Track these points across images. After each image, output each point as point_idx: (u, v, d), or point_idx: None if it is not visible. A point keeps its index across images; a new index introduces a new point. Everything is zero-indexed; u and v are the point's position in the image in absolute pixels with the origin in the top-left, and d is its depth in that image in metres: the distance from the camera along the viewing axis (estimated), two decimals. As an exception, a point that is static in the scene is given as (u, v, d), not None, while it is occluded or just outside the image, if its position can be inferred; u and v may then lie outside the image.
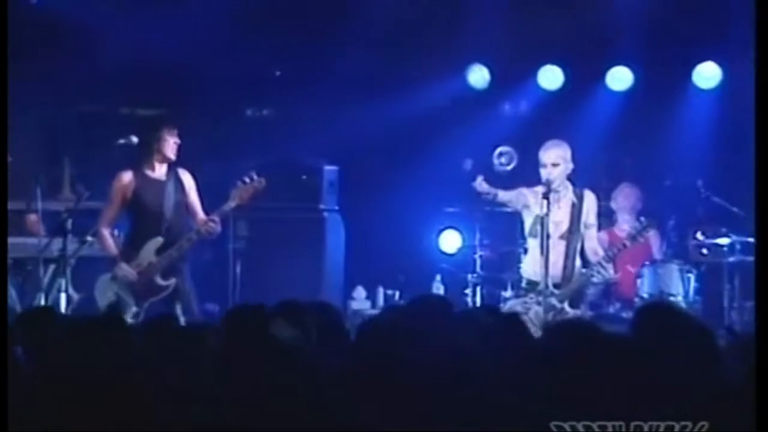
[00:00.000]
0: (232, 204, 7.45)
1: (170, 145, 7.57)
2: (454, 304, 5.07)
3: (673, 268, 8.52)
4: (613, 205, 8.78)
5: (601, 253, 7.43)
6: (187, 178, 7.66)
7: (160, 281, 7.46)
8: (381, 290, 9.39)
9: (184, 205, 7.60)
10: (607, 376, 3.55)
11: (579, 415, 3.39)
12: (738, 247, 8.62)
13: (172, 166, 7.62)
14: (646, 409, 3.43)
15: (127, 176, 7.59)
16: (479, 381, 3.61)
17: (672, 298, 8.20)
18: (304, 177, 9.78)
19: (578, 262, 7.48)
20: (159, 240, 7.52)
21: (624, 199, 8.79)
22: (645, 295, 8.26)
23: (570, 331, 4.33)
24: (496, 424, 3.31)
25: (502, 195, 7.62)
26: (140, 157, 7.66)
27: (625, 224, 8.56)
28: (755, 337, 3.94)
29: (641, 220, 7.94)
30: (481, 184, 7.45)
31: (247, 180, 7.46)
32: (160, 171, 7.59)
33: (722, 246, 8.64)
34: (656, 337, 4.02)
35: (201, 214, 7.56)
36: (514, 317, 5.50)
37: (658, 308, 4.58)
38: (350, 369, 3.81)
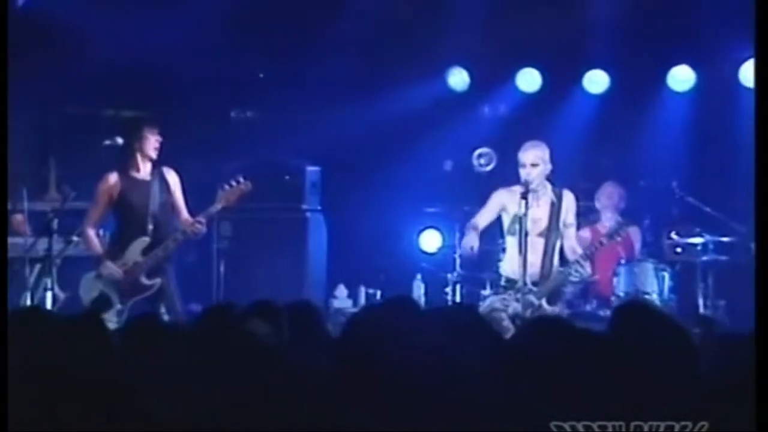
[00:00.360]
0: (218, 206, 7.44)
1: (152, 143, 7.53)
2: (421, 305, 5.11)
3: (649, 267, 8.54)
4: (597, 204, 8.75)
5: (579, 251, 7.39)
6: (172, 177, 7.62)
7: (144, 281, 7.41)
8: (362, 289, 9.40)
9: (169, 204, 7.55)
10: (582, 373, 3.51)
11: (557, 411, 3.34)
12: (711, 246, 8.63)
13: (157, 166, 7.57)
14: (623, 406, 3.38)
15: (113, 177, 7.53)
16: (452, 379, 3.53)
17: (647, 296, 8.20)
18: (287, 177, 9.79)
19: (557, 260, 7.44)
20: (145, 240, 7.47)
21: (607, 198, 8.79)
22: (621, 294, 8.25)
23: (545, 328, 4.38)
24: (496, 425, 3.25)
25: (485, 218, 7.59)
26: (124, 158, 7.62)
27: (607, 222, 8.55)
28: (755, 337, 3.81)
29: (618, 219, 7.93)
30: (472, 247, 7.41)
31: (234, 183, 7.45)
32: (144, 171, 7.54)
33: (696, 245, 8.66)
34: (634, 335, 4.03)
35: (185, 214, 7.52)
36: (488, 315, 5.57)
37: (636, 307, 4.59)
38: (329, 366, 3.82)
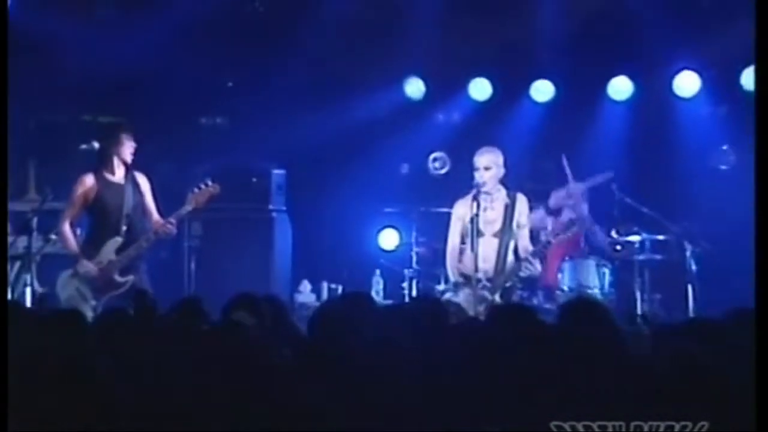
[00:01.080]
0: (188, 207, 7.39)
1: (128, 148, 7.47)
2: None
3: (591, 264, 8.62)
4: (551, 202, 8.80)
5: (531, 249, 7.43)
6: (143, 181, 7.55)
7: (118, 278, 7.33)
8: (325, 284, 9.36)
9: (141, 206, 7.48)
10: (537, 358, 3.62)
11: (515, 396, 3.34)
12: (647, 244, 8.68)
13: (130, 169, 7.50)
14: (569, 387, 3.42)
15: (89, 179, 7.46)
16: (411, 364, 3.57)
17: (589, 291, 8.25)
18: (254, 180, 9.76)
19: (510, 257, 7.47)
20: (118, 240, 7.40)
21: (561, 200, 8.84)
22: (565, 288, 8.31)
23: (507, 316, 4.42)
24: (497, 424, 3.19)
25: (455, 237, 7.59)
26: (101, 161, 7.55)
27: (557, 222, 8.56)
28: (755, 337, 3.69)
29: (571, 219, 7.97)
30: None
31: (203, 186, 7.41)
32: (119, 174, 7.48)
33: (634, 243, 8.71)
34: (579, 326, 4.05)
35: (156, 215, 7.46)
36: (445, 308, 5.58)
37: (581, 302, 4.65)
38: (295, 355, 3.87)
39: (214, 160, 9.50)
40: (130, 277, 7.29)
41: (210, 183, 7.40)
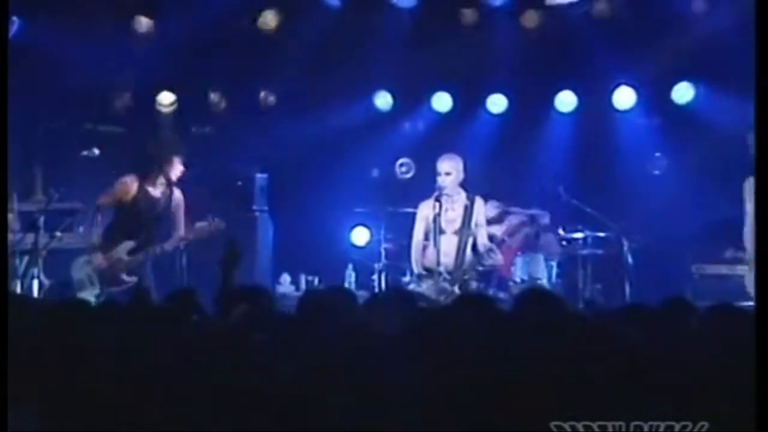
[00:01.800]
0: (190, 236, 7.48)
1: (176, 170, 7.51)
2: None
3: (540, 258, 8.68)
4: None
5: (488, 245, 7.51)
6: (178, 196, 7.59)
7: (124, 277, 7.40)
8: (303, 276, 9.36)
9: (167, 219, 7.52)
10: (494, 342, 3.53)
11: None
12: (590, 240, 8.71)
13: (171, 186, 7.55)
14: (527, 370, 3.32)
15: (132, 186, 7.50)
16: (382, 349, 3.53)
17: (539, 282, 8.29)
18: (239, 183, 9.78)
19: (469, 253, 7.54)
20: (131, 244, 7.45)
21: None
22: (518, 280, 8.34)
23: (468, 303, 4.43)
24: (497, 424, 2.98)
25: (418, 230, 7.63)
26: (146, 173, 7.54)
27: (511, 222, 8.64)
28: (756, 337, 3.42)
29: (522, 221, 8.00)
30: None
31: (208, 221, 7.47)
32: (159, 190, 7.54)
33: (578, 240, 8.74)
34: (531, 312, 4.10)
35: (181, 231, 7.51)
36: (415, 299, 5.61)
37: (533, 291, 4.70)
38: (280, 339, 3.83)
39: (204, 165, 9.43)
40: (134, 278, 7.34)
41: (215, 219, 7.47)
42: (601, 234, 8.75)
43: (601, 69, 9.31)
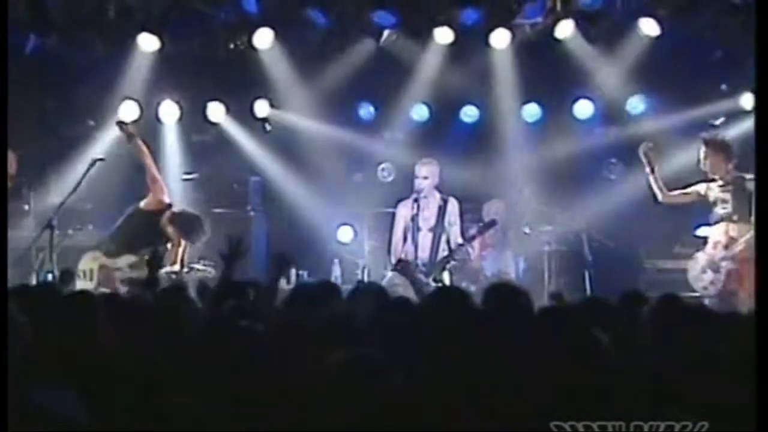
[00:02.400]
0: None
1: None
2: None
3: (508, 254, 8.79)
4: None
5: (460, 241, 7.63)
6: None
7: (119, 285, 7.35)
8: (293, 271, 9.28)
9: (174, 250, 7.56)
10: (466, 331, 3.60)
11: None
12: (553, 238, 8.81)
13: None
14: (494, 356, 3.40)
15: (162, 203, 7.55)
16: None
17: (507, 276, 8.37)
18: (236, 186, 9.82)
19: (443, 249, 7.64)
20: (133, 258, 7.47)
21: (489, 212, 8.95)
22: (488, 274, 8.43)
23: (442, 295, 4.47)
24: (497, 424, 2.84)
25: (399, 233, 7.75)
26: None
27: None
28: (756, 336, 3.23)
29: (487, 221, 8.05)
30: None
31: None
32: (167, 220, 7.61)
33: (542, 237, 8.84)
34: (499, 304, 4.16)
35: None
36: (390, 288, 5.69)
37: (501, 285, 4.76)
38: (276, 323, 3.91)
39: (205, 170, 9.64)
40: (127, 288, 7.18)
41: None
42: (564, 232, 8.84)
43: (563, 83, 9.43)
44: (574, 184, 9.29)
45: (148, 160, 7.67)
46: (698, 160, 7.50)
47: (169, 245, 7.51)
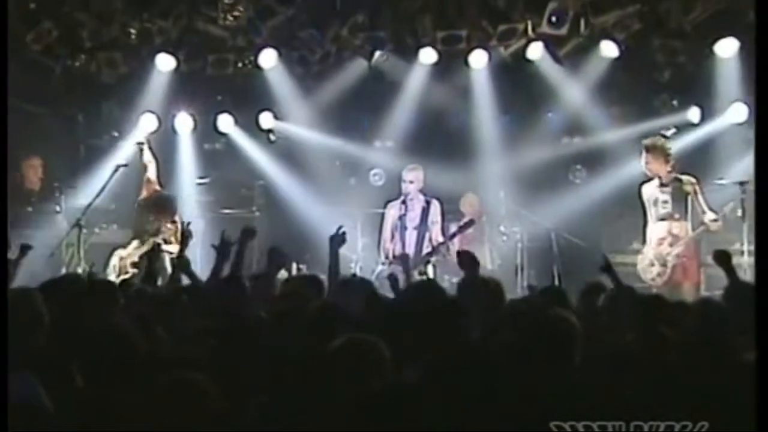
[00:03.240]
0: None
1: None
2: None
3: (486, 249, 8.83)
4: (461, 208, 8.97)
5: (441, 239, 7.71)
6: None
7: (130, 268, 7.48)
8: (294, 265, 9.29)
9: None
10: (443, 319, 3.58)
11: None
12: (525, 236, 8.85)
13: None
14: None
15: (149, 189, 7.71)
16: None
17: (483, 269, 8.35)
18: (243, 189, 9.82)
19: (426, 245, 7.74)
20: (135, 242, 7.57)
21: (465, 204, 8.98)
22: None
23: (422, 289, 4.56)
24: (497, 424, 2.65)
25: (388, 230, 7.80)
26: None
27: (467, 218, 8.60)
28: (756, 336, 2.97)
29: (466, 221, 8.05)
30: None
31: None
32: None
33: (516, 234, 8.89)
34: (475, 293, 4.31)
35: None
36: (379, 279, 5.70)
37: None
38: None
39: (215, 175, 9.68)
40: (135, 270, 7.38)
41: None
42: (534, 231, 8.86)
43: (533, 98, 9.38)
44: (543, 188, 9.30)
45: (151, 167, 7.91)
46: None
47: (167, 227, 7.55)
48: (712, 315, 3.83)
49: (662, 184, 7.57)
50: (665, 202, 7.51)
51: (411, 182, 7.88)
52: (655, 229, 7.60)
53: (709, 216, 7.38)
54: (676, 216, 7.49)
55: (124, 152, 8.96)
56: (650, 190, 7.64)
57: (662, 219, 7.54)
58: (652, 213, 7.61)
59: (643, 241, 7.71)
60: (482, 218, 9.05)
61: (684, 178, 7.56)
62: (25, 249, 5.30)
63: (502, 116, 9.50)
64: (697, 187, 7.55)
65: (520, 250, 8.77)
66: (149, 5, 8.78)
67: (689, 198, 7.53)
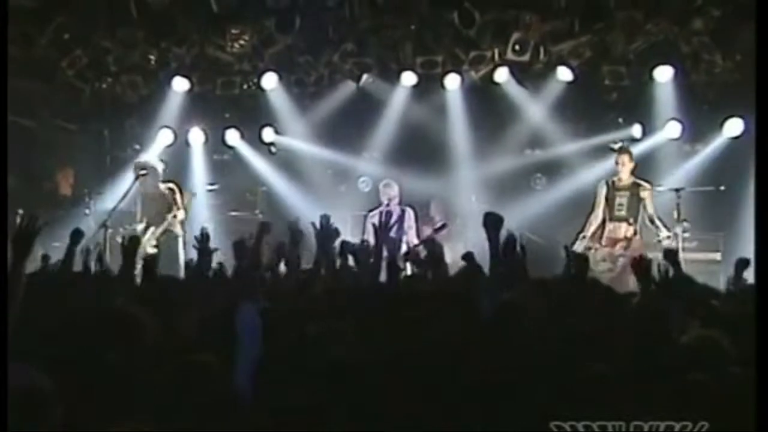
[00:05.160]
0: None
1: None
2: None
3: (460, 247, 8.74)
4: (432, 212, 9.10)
5: (416, 241, 7.96)
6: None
7: (149, 249, 7.51)
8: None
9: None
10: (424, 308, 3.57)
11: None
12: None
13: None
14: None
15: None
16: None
17: (459, 263, 8.37)
18: (247, 194, 9.89)
19: (404, 247, 7.91)
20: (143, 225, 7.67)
21: (434, 209, 9.15)
22: (448, 262, 8.11)
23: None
24: (497, 424, 2.45)
25: (369, 234, 7.76)
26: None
27: (433, 223, 8.69)
28: (756, 336, 2.75)
29: (443, 223, 8.08)
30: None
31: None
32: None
33: (485, 238, 8.90)
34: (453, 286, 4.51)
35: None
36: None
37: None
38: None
39: (222, 182, 9.71)
40: (154, 251, 7.31)
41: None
42: (502, 230, 8.98)
43: (500, 116, 9.41)
44: (509, 193, 9.36)
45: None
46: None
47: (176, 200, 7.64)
48: (656, 303, 3.78)
49: (620, 188, 7.61)
50: (620, 204, 7.53)
51: (387, 197, 7.95)
52: (609, 229, 7.61)
53: (664, 233, 7.41)
54: (631, 220, 7.55)
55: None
56: (608, 191, 7.63)
57: (617, 220, 7.54)
58: (606, 213, 7.58)
59: (600, 237, 7.57)
60: (457, 220, 9.07)
61: (642, 183, 7.61)
62: (76, 236, 4.85)
63: (473, 131, 9.55)
64: (650, 194, 7.65)
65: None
66: (166, 35, 8.90)
67: (641, 203, 7.59)
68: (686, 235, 7.72)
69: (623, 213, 7.58)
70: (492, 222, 4.16)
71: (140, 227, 7.63)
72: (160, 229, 7.56)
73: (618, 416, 2.31)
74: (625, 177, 7.62)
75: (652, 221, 7.60)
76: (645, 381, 2.57)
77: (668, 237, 7.40)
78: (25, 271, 2.93)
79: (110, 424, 2.27)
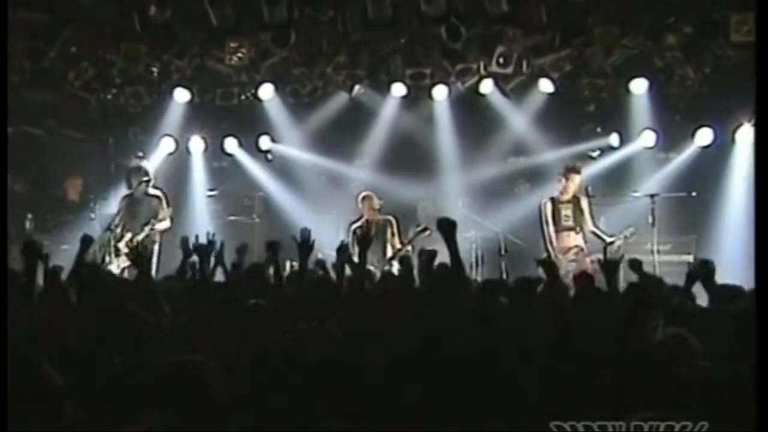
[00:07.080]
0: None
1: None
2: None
3: (445, 251, 8.96)
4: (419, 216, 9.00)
5: (399, 245, 8.02)
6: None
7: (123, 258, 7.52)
8: (288, 263, 9.22)
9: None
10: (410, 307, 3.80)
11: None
12: (479, 237, 8.88)
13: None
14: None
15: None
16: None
17: (445, 264, 8.39)
18: (245, 199, 9.89)
19: (389, 251, 7.99)
20: (129, 235, 7.66)
21: (422, 214, 9.01)
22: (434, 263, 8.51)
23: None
24: (497, 424, 2.32)
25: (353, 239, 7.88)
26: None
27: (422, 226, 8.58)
28: (756, 336, 2.65)
29: (425, 226, 7.98)
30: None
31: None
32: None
33: (470, 238, 8.78)
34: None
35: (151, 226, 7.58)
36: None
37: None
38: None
39: (222, 187, 9.76)
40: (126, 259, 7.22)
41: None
42: (486, 233, 8.87)
43: (485, 126, 9.40)
44: (494, 198, 9.43)
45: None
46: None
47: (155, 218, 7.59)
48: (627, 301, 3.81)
49: (564, 201, 7.84)
50: (567, 216, 7.80)
51: (369, 209, 8.06)
52: (560, 239, 7.85)
53: (608, 239, 7.69)
54: (577, 229, 7.80)
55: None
56: (553, 206, 7.88)
57: (565, 230, 7.81)
58: (553, 226, 7.81)
59: (553, 250, 7.73)
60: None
61: (581, 198, 7.86)
62: (86, 241, 4.77)
63: (459, 139, 9.56)
64: (588, 205, 7.90)
65: (475, 249, 8.86)
66: (168, 48, 8.89)
67: (584, 214, 7.87)
68: (635, 239, 7.82)
69: (570, 223, 7.84)
70: (446, 226, 4.16)
71: (117, 231, 7.59)
72: (142, 235, 7.53)
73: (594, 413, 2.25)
74: (570, 192, 7.83)
75: (594, 233, 7.87)
76: (617, 379, 2.61)
77: (612, 242, 7.61)
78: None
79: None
